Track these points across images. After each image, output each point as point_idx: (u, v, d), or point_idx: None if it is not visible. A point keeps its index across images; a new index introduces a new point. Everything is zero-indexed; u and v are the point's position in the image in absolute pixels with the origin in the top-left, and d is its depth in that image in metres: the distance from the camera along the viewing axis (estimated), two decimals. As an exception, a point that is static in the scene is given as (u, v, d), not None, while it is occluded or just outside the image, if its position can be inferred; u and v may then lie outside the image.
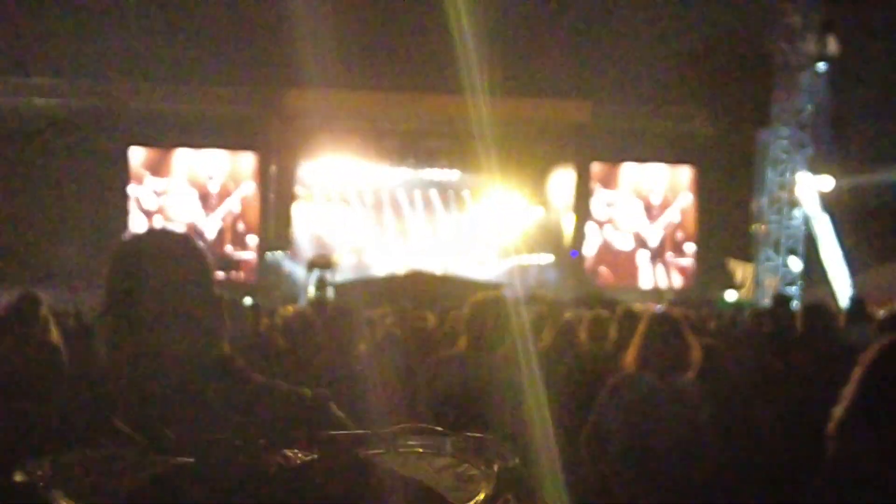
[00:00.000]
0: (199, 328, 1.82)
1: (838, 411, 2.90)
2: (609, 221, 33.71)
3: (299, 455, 1.56)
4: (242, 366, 1.87)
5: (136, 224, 30.68)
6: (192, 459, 1.52)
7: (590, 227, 32.95)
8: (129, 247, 1.89)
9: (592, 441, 4.59)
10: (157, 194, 31.11)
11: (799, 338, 6.58)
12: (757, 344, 7.50)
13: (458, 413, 4.29)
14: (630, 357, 4.64)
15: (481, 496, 1.51)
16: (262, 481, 1.51)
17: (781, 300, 8.81)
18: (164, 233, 1.95)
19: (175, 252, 1.87)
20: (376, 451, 1.61)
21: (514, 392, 4.27)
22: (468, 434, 1.65)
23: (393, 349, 7.22)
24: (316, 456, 1.56)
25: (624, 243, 33.96)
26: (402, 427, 1.67)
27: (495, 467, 1.56)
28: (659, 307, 17.53)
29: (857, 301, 8.48)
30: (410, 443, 1.64)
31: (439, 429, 1.67)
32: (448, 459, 1.61)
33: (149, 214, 30.97)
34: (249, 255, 31.02)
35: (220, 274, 25.70)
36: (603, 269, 33.41)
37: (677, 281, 33.62)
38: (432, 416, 4.48)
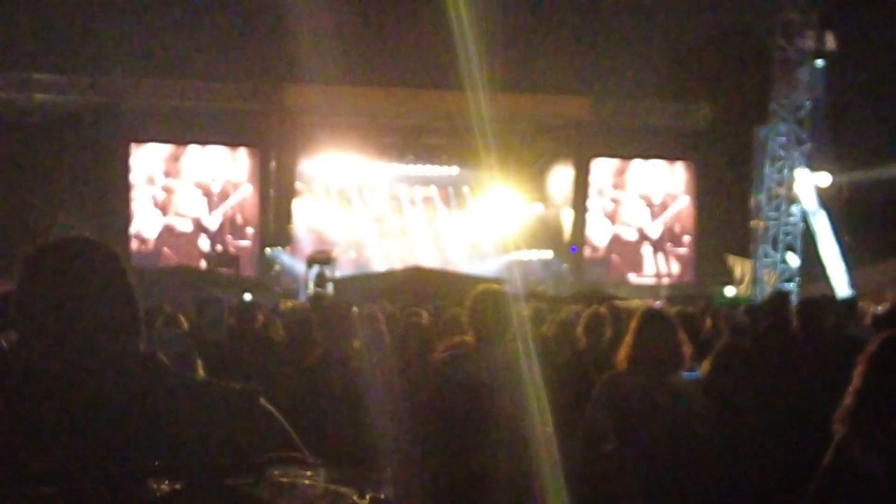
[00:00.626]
0: (108, 330, 1.83)
1: (844, 405, 2.92)
2: (608, 217, 33.73)
3: (164, 486, 1.53)
4: (162, 363, 1.86)
5: (138, 219, 30.71)
6: (53, 489, 1.50)
7: (589, 222, 32.95)
8: (36, 254, 1.91)
9: (587, 439, 4.57)
10: (159, 190, 31.11)
11: (796, 333, 6.61)
12: (754, 339, 7.52)
13: (462, 409, 4.31)
14: (622, 355, 4.61)
15: None
16: None
17: (779, 296, 8.83)
18: (75, 240, 1.96)
19: (82, 258, 1.90)
20: (245, 482, 1.57)
21: (516, 388, 4.30)
22: (341, 464, 1.61)
23: (382, 346, 7.25)
24: (179, 486, 1.53)
25: (623, 239, 34.01)
26: (273, 456, 1.64)
27: (367, 497, 1.53)
28: (658, 304, 17.54)
29: (849, 298, 8.55)
30: (282, 472, 1.60)
31: (311, 459, 1.64)
32: (321, 490, 1.57)
33: (150, 210, 30.98)
34: (249, 251, 31.03)
35: (223, 270, 25.85)
36: (602, 264, 33.44)
37: (675, 277, 33.68)
38: (437, 411, 4.48)
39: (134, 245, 30.43)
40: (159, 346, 5.74)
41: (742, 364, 5.14)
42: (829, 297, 8.73)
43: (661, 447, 4.35)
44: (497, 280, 23.59)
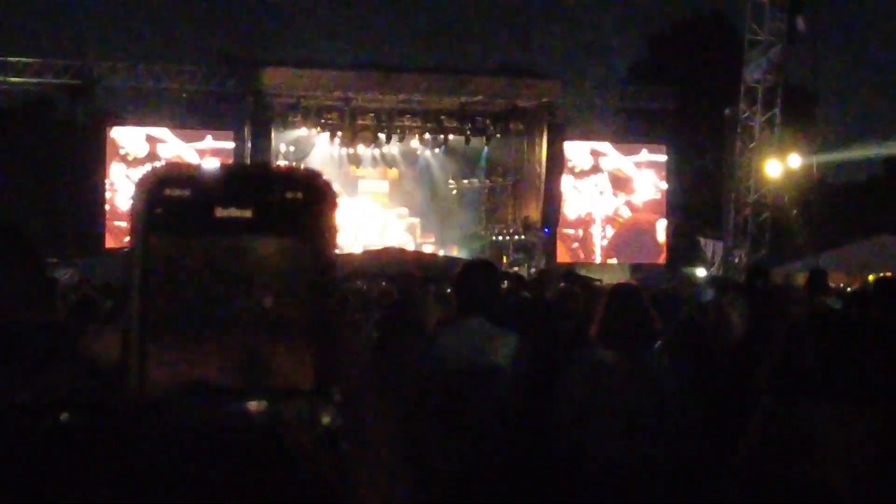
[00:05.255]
0: (20, 302, 2.00)
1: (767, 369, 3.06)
2: (580, 198, 33.82)
3: None
4: (73, 328, 2.04)
5: (115, 201, 30.55)
6: None
7: (561, 203, 33.05)
8: None
9: (559, 415, 4.58)
10: (136, 172, 30.88)
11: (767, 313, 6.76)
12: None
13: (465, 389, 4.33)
14: (593, 329, 4.68)
15: None
16: None
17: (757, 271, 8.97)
18: None
19: None
20: None
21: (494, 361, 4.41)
22: None
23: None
24: None
25: (595, 220, 34.13)
26: None
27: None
28: (626, 282, 17.72)
29: (818, 273, 8.70)
30: None
31: None
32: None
33: (127, 192, 30.74)
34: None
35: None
36: (575, 245, 33.59)
37: (648, 258, 33.86)
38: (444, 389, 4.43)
39: (110, 227, 30.30)
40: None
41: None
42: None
43: (632, 420, 4.44)
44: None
